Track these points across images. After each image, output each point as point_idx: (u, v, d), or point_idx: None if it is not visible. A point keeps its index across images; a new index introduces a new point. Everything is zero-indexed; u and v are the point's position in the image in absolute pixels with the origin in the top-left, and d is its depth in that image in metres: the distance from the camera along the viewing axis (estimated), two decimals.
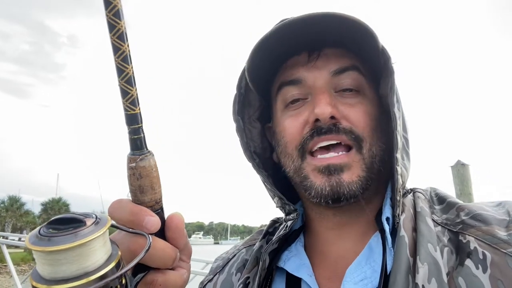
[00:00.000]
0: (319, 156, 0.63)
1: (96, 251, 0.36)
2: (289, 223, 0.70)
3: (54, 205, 38.63)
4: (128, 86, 0.44)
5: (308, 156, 0.64)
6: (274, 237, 0.70)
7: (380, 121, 0.66)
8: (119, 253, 0.39)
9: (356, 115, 0.63)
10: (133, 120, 0.46)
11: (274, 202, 0.75)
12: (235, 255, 0.80)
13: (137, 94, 0.45)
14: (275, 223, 0.79)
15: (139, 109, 0.46)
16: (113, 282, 0.37)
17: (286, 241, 0.71)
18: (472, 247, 0.55)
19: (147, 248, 0.40)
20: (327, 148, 0.63)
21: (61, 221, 0.35)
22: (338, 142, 0.62)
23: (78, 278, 0.34)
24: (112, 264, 0.37)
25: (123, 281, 0.39)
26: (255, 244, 0.76)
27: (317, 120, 0.62)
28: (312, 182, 0.63)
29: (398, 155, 0.61)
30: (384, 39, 0.63)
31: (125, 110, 0.45)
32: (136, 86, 0.46)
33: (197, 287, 0.79)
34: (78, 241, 0.34)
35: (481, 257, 0.53)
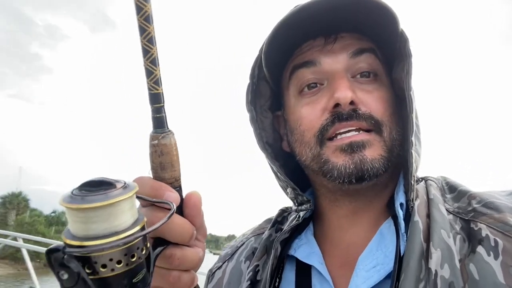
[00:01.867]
0: (339, 137, 0.63)
1: (124, 212, 0.37)
2: (301, 213, 0.71)
3: (13, 199, 36.67)
4: (153, 66, 0.47)
5: (327, 142, 0.64)
6: (286, 227, 0.70)
7: (396, 105, 0.66)
8: (145, 218, 0.40)
9: (374, 101, 0.63)
10: (156, 99, 0.48)
11: (287, 193, 0.75)
12: (244, 243, 0.81)
13: (160, 75, 0.48)
14: (284, 212, 0.80)
15: (162, 89, 0.48)
16: (139, 243, 0.38)
17: (296, 231, 0.72)
18: (484, 234, 0.55)
19: (171, 213, 0.42)
20: (349, 131, 0.63)
21: (93, 183, 0.37)
22: (358, 128, 0.62)
23: (108, 236, 0.36)
24: (138, 227, 0.38)
25: (148, 245, 0.41)
26: (263, 232, 0.77)
27: (336, 105, 0.62)
28: (333, 163, 0.62)
29: (413, 139, 0.62)
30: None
31: (149, 89, 0.48)
32: (160, 67, 0.48)
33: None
34: (110, 200, 0.36)
35: (492, 244, 0.53)
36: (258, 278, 0.68)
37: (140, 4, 0.45)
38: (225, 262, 0.79)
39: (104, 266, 0.36)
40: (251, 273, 0.69)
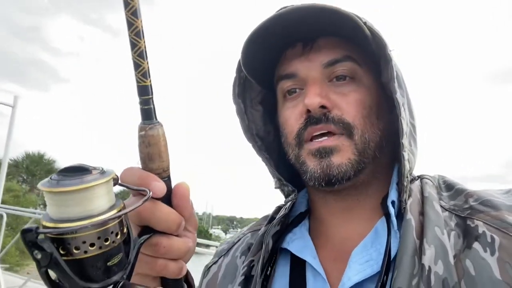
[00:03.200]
0: (314, 140, 0.65)
1: (100, 197, 0.39)
2: (288, 204, 0.72)
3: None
4: (140, 59, 0.48)
5: (305, 144, 0.66)
6: (275, 220, 0.71)
7: (378, 108, 0.67)
8: (122, 204, 0.42)
9: (347, 104, 0.64)
10: (144, 91, 0.49)
11: (274, 183, 0.77)
12: (240, 239, 0.82)
13: (148, 67, 0.49)
14: (280, 208, 0.80)
15: (150, 81, 0.50)
16: (114, 227, 0.40)
17: (290, 225, 0.73)
18: (480, 231, 0.55)
19: (145, 199, 0.43)
20: (323, 135, 0.65)
21: (70, 169, 0.39)
22: (328, 131, 0.64)
23: (82, 219, 0.37)
24: (114, 211, 0.39)
25: (124, 230, 0.42)
26: (260, 229, 0.77)
27: (309, 110, 0.64)
28: (307, 166, 0.65)
29: (405, 141, 0.62)
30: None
31: (137, 81, 0.49)
32: (148, 60, 0.50)
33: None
34: (84, 185, 0.37)
35: (489, 240, 0.53)
36: (252, 273, 0.69)
37: (128, 0, 0.47)
38: (221, 257, 0.80)
39: (77, 248, 0.37)
40: (246, 268, 0.69)
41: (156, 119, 0.51)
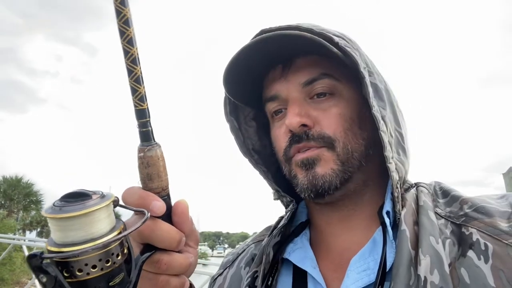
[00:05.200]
0: (299, 152, 0.67)
1: (101, 220, 0.41)
2: (287, 214, 0.74)
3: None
4: (137, 85, 0.50)
5: (292, 158, 0.68)
6: (275, 230, 0.73)
7: (360, 119, 0.68)
8: (121, 225, 0.44)
9: (328, 119, 0.66)
10: (142, 115, 0.51)
11: (273, 194, 0.79)
12: (244, 250, 0.83)
13: (145, 92, 0.51)
14: (282, 219, 0.82)
15: (147, 105, 0.52)
16: (115, 249, 0.42)
17: (292, 234, 0.74)
18: (474, 239, 0.56)
19: (143, 220, 0.45)
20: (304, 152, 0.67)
21: (72, 195, 0.41)
22: (310, 147, 0.66)
23: (84, 243, 0.39)
24: (115, 233, 0.42)
25: (125, 250, 0.44)
26: (263, 239, 0.79)
27: (291, 130, 0.66)
28: (298, 178, 0.67)
29: (388, 154, 0.62)
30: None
31: (135, 106, 0.51)
32: (144, 84, 0.52)
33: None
34: (85, 210, 0.39)
35: (483, 248, 0.54)
36: (256, 284, 0.70)
37: (123, 29, 0.49)
38: (226, 268, 0.82)
39: (80, 270, 0.39)
40: (249, 279, 0.71)
41: (154, 140, 0.53)
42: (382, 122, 0.63)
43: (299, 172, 0.67)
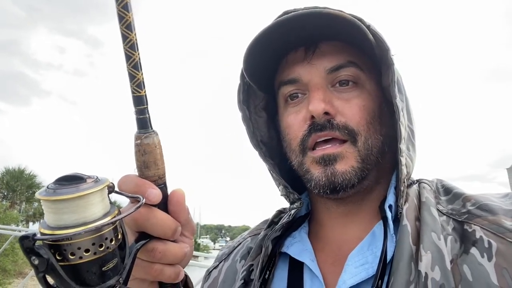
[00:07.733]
0: (317, 148, 0.65)
1: (94, 205, 0.40)
2: (292, 211, 0.72)
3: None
4: (135, 71, 0.50)
5: (309, 151, 0.66)
6: (278, 225, 0.72)
7: (380, 113, 0.66)
8: (116, 211, 0.43)
9: (351, 110, 0.64)
10: (139, 102, 0.51)
11: (279, 190, 0.77)
12: (240, 243, 0.82)
13: (143, 78, 0.51)
14: (281, 213, 0.81)
15: (145, 91, 0.51)
16: (108, 233, 0.41)
17: (290, 228, 0.73)
18: (477, 236, 0.55)
19: (138, 205, 0.45)
20: (327, 141, 0.64)
21: (66, 178, 0.41)
22: (333, 137, 0.64)
23: (77, 226, 0.39)
24: (108, 218, 0.41)
25: (119, 236, 0.44)
26: (260, 233, 0.78)
27: (313, 116, 0.64)
28: (312, 174, 0.65)
29: (403, 146, 0.62)
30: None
31: (132, 92, 0.51)
32: (142, 71, 0.51)
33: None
34: (78, 193, 0.39)
35: (486, 245, 0.53)
36: (252, 277, 0.69)
37: (122, 13, 0.48)
38: (221, 262, 0.81)
39: (72, 254, 0.39)
40: (245, 272, 0.70)
41: (151, 128, 0.53)
42: (402, 113, 0.61)
43: (314, 168, 0.65)
